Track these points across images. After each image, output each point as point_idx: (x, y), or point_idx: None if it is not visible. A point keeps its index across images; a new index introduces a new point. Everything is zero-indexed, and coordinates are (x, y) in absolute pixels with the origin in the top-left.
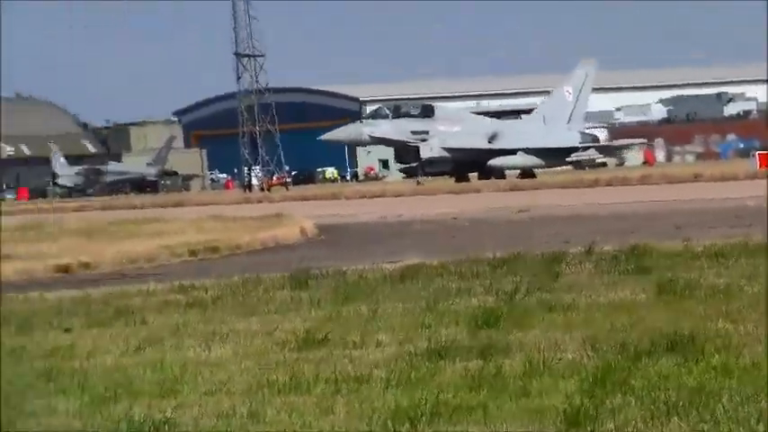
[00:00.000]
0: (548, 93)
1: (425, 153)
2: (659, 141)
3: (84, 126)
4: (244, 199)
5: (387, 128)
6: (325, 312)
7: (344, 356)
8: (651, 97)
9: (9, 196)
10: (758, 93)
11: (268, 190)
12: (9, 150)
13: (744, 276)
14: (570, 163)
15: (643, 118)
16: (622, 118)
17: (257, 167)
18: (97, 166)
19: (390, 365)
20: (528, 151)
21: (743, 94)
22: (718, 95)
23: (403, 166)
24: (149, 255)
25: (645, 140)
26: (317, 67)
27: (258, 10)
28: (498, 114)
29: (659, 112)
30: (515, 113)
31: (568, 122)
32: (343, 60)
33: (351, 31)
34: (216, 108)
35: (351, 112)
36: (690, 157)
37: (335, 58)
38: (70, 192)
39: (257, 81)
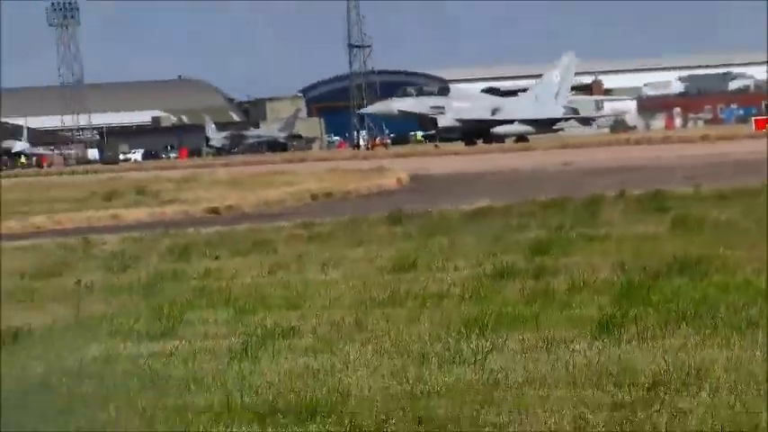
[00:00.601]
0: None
1: (442, 123)
2: (677, 110)
3: (231, 101)
4: (353, 156)
5: (411, 103)
6: (414, 243)
7: (429, 278)
8: (671, 76)
9: (173, 155)
10: (755, 72)
11: (372, 149)
12: (173, 120)
13: (741, 213)
14: (556, 130)
15: (664, 92)
16: (648, 92)
17: (363, 132)
18: (240, 132)
19: (464, 284)
20: (522, 122)
21: (744, 73)
22: (725, 74)
23: (424, 132)
24: (280, 199)
25: (618, 114)
26: (412, 52)
27: (367, 9)
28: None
29: (677, 88)
30: (514, 93)
31: (556, 98)
32: (434, 46)
33: (441, 21)
34: (332, 86)
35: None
36: (700, 123)
37: (428, 44)
38: (219, 151)
39: (365, 65)
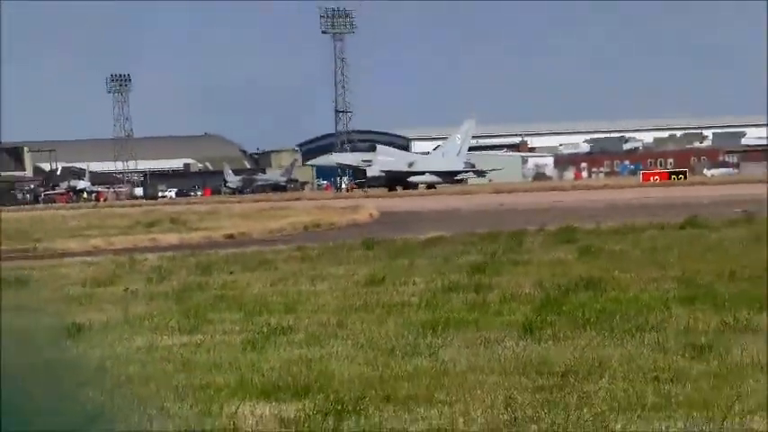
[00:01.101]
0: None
1: (370, 173)
2: (584, 165)
3: (244, 152)
4: (335, 196)
5: (347, 157)
6: (383, 264)
7: (394, 290)
8: (580, 138)
9: (198, 193)
10: (644, 137)
11: (350, 191)
12: (200, 166)
13: (630, 245)
14: (458, 180)
15: (574, 150)
16: (563, 150)
17: (345, 177)
18: (251, 176)
19: (421, 296)
20: (431, 173)
21: (634, 137)
22: (620, 138)
23: (357, 180)
24: (280, 228)
25: (494, 169)
26: (382, 115)
27: (349, 82)
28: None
29: (585, 148)
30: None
31: (458, 155)
32: (398, 110)
33: (405, 91)
34: (322, 142)
35: (401, 146)
36: (601, 175)
37: (394, 109)
38: (234, 191)
39: (347, 127)
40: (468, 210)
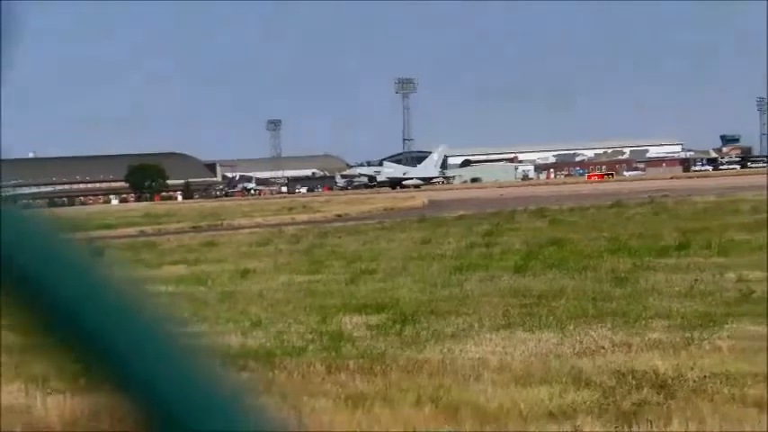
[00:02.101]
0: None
1: (378, 179)
2: (552, 170)
3: (347, 164)
4: (400, 191)
5: (363, 170)
6: (430, 231)
7: (436, 247)
8: (550, 153)
9: (320, 190)
10: (588, 153)
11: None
12: (320, 173)
13: (579, 217)
14: (432, 183)
15: (546, 161)
16: (539, 161)
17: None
18: (351, 179)
19: (453, 251)
20: (417, 178)
21: (582, 153)
22: (574, 153)
23: (370, 184)
24: (369, 210)
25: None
26: (429, 139)
27: (411, 122)
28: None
29: (553, 159)
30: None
31: (434, 167)
32: (439, 136)
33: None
34: (396, 158)
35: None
36: (562, 176)
37: (437, 135)
38: (342, 188)
39: (410, 148)
40: (480, 197)
